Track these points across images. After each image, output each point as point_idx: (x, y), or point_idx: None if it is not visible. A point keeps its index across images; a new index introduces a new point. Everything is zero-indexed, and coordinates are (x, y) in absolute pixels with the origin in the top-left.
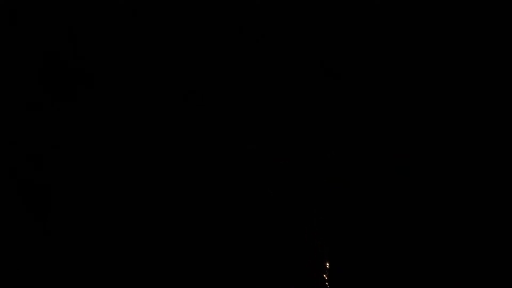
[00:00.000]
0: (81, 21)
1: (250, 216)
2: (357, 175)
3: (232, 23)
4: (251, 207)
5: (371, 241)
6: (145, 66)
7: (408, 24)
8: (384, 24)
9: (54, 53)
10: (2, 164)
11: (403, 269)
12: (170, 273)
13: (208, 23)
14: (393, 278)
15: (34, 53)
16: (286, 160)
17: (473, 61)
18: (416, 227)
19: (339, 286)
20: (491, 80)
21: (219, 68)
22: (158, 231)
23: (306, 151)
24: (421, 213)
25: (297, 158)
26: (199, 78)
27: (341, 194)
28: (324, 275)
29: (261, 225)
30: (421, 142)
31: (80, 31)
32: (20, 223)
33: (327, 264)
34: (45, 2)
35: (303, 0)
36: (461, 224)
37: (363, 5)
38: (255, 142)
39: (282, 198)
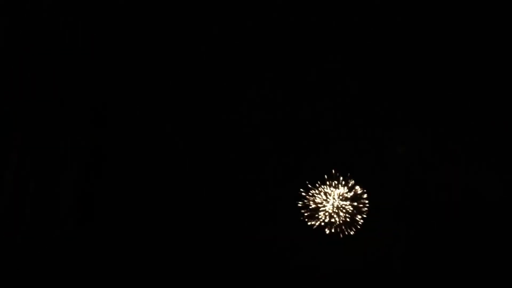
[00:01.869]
0: (81, 21)
1: (250, 216)
2: (357, 175)
3: (232, 23)
4: (250, 207)
5: (372, 241)
6: (145, 66)
7: (408, 24)
8: (384, 24)
9: (55, 53)
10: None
11: (404, 269)
12: (171, 273)
13: (208, 23)
14: (394, 278)
15: (34, 53)
16: (290, 160)
17: (473, 61)
18: (418, 227)
19: (340, 286)
20: (491, 80)
21: (219, 68)
22: (157, 230)
23: (305, 151)
24: (422, 213)
25: (297, 158)
26: (199, 78)
27: (341, 194)
28: None
29: (259, 225)
30: (422, 141)
31: (81, 31)
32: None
33: None
34: (46, 2)
35: (303, 0)
36: (462, 225)
37: (363, 5)
38: (256, 142)
39: (282, 198)
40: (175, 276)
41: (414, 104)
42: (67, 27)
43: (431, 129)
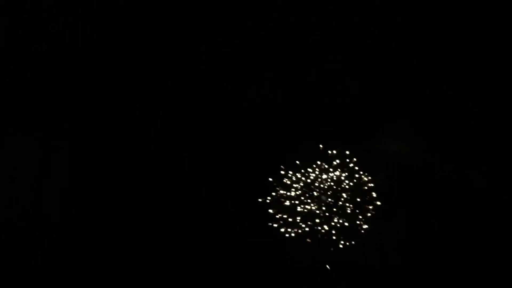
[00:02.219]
0: (81, 21)
1: (248, 216)
2: (358, 175)
3: (232, 23)
4: (250, 207)
5: (373, 241)
6: (145, 66)
7: (408, 24)
8: (384, 24)
9: (55, 53)
10: None
11: (404, 269)
12: (173, 273)
13: (208, 23)
14: (394, 278)
15: (34, 53)
16: (285, 160)
17: (474, 62)
18: (418, 227)
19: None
20: (491, 81)
21: (219, 68)
22: (157, 229)
23: (305, 151)
24: (422, 214)
25: (295, 157)
26: (199, 78)
27: (343, 195)
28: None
29: (257, 225)
30: (423, 142)
31: (81, 31)
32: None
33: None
34: (46, 2)
35: (303, 0)
36: (463, 225)
37: (363, 5)
38: (256, 141)
39: (277, 197)
40: (172, 273)
41: (413, 104)
42: (67, 27)
43: (431, 129)
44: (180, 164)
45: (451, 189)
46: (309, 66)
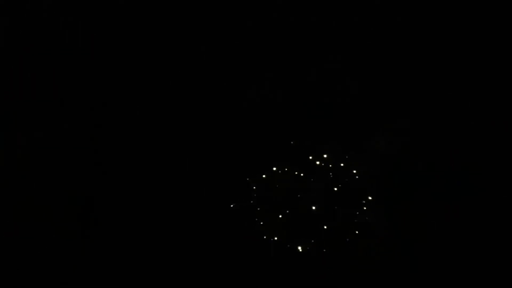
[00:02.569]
0: (81, 21)
1: (248, 217)
2: (356, 176)
3: (232, 23)
4: (249, 208)
5: (371, 242)
6: (145, 66)
7: (408, 24)
8: (384, 24)
9: (55, 53)
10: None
11: (402, 269)
12: (174, 273)
13: (208, 23)
14: (392, 278)
15: (34, 53)
16: (283, 160)
17: (478, 62)
18: (416, 227)
19: (337, 285)
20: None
21: (219, 68)
22: (158, 228)
23: (305, 151)
24: (421, 214)
25: (295, 158)
26: (199, 78)
27: (342, 195)
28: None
29: (253, 226)
30: (423, 142)
31: (81, 31)
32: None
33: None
34: (46, 2)
35: (303, 0)
36: (462, 225)
37: (363, 5)
38: (256, 142)
39: (276, 198)
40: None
41: (413, 104)
42: (67, 27)
43: (431, 129)
44: (180, 164)
45: (450, 189)
46: (309, 66)
